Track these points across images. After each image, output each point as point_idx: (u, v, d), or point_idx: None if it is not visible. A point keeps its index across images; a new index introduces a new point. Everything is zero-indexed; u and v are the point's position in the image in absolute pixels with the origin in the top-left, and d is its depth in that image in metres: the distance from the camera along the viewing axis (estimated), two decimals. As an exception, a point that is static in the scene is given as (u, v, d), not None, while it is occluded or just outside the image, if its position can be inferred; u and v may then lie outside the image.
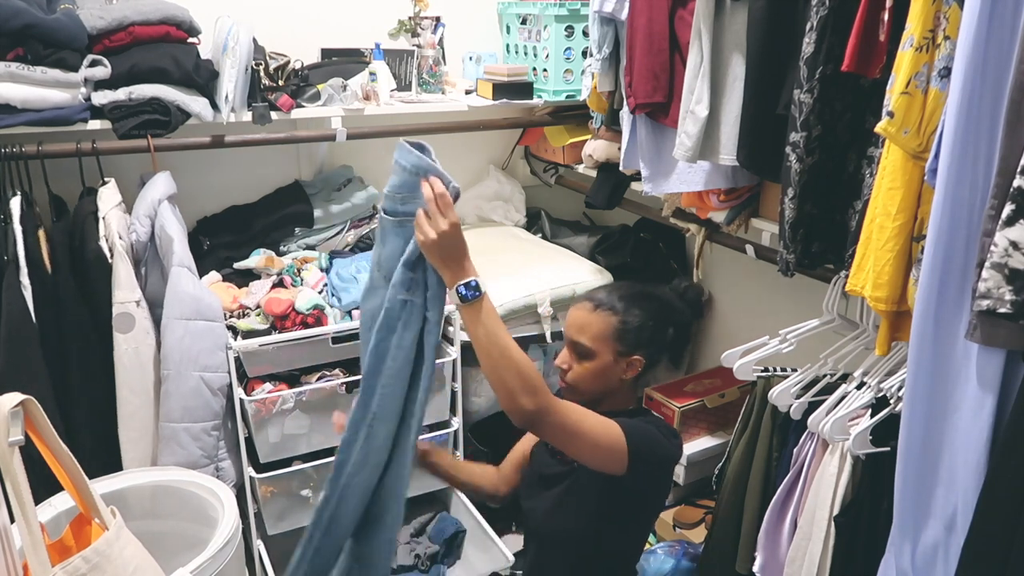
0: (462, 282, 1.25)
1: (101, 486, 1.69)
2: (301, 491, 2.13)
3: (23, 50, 1.78)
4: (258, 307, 2.01)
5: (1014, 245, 0.92)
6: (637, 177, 2.03)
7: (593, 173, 2.42)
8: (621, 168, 2.08)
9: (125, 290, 1.82)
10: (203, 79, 1.98)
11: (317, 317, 2.01)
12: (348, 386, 2.08)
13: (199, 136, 2.07)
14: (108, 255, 1.83)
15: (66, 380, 1.82)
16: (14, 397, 1.03)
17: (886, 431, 1.42)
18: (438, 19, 2.57)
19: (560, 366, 1.51)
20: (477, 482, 1.70)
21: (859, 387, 1.55)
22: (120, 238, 1.84)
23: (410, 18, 2.52)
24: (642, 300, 1.51)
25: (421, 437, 2.20)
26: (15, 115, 1.79)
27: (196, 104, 1.96)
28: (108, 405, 1.86)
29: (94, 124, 1.91)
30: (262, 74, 2.08)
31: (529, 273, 2.35)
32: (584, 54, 2.36)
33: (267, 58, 2.13)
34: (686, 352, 1.66)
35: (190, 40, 2.04)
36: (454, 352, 2.21)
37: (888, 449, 1.40)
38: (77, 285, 1.81)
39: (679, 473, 2.29)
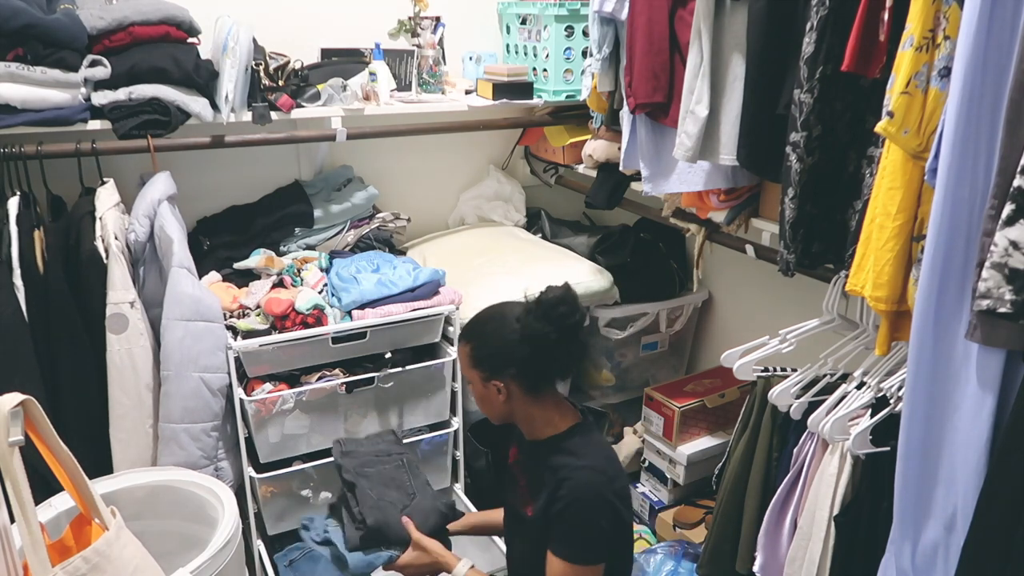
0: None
1: (101, 486, 1.69)
2: (301, 491, 2.13)
3: (23, 50, 1.78)
4: (258, 307, 2.01)
5: (1014, 245, 0.92)
6: (637, 177, 2.03)
7: (593, 173, 2.42)
8: (621, 168, 2.08)
9: (119, 291, 1.81)
10: (203, 79, 1.98)
11: (317, 317, 2.01)
12: (348, 386, 2.08)
13: (199, 136, 2.07)
14: (103, 255, 1.83)
15: (58, 380, 1.81)
16: (14, 397, 1.03)
17: (886, 431, 1.42)
18: (438, 19, 2.57)
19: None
20: (491, 526, 1.85)
21: (859, 387, 1.55)
22: (116, 238, 1.83)
23: (410, 18, 2.52)
24: (484, 324, 1.56)
25: (420, 438, 2.22)
26: (15, 115, 1.79)
27: (196, 104, 1.96)
28: (100, 406, 1.85)
29: (94, 124, 1.91)
30: (262, 74, 2.08)
31: (529, 273, 2.35)
32: (584, 54, 2.36)
33: (267, 58, 2.13)
34: (564, 360, 1.53)
35: (190, 40, 2.04)
36: (453, 352, 2.21)
37: (888, 449, 1.40)
38: (71, 285, 1.81)
39: (679, 473, 2.29)
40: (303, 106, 2.13)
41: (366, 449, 1.89)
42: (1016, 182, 0.92)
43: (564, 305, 1.48)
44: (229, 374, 1.94)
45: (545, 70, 2.44)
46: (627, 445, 2.53)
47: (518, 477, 1.64)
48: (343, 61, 2.38)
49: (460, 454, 2.33)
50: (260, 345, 1.95)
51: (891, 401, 1.46)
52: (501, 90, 2.37)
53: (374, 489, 1.75)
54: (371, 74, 2.27)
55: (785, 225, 1.51)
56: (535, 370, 1.51)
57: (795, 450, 1.60)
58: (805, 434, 1.57)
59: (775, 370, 1.71)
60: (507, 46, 2.67)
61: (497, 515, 1.80)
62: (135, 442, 1.88)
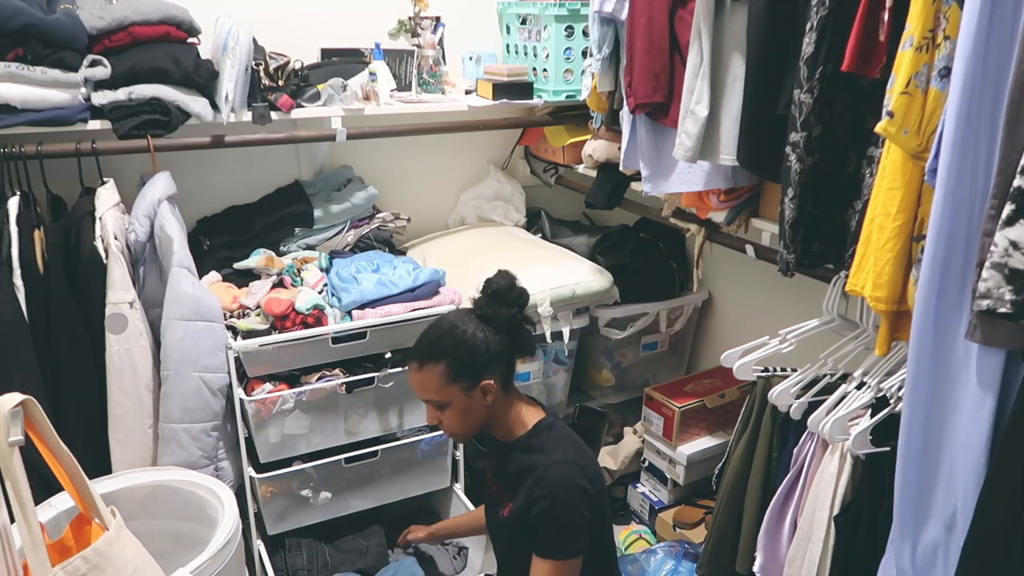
0: None
1: (101, 486, 1.69)
2: (301, 491, 2.13)
3: (23, 50, 1.78)
4: (258, 307, 2.01)
5: (1014, 245, 0.92)
6: (637, 177, 2.03)
7: (593, 173, 2.42)
8: (621, 168, 2.08)
9: (119, 291, 1.81)
10: (203, 79, 1.98)
11: (317, 317, 2.01)
12: (348, 386, 2.08)
13: (199, 136, 2.07)
14: (103, 255, 1.83)
15: (58, 381, 1.81)
16: (14, 397, 1.04)
17: (886, 431, 1.42)
18: (438, 19, 2.57)
19: (433, 424, 1.62)
20: (474, 527, 1.97)
21: (859, 387, 1.55)
22: (116, 238, 1.83)
23: (410, 18, 2.52)
24: (450, 334, 1.55)
25: (420, 438, 2.23)
26: (15, 115, 1.79)
27: (196, 104, 1.96)
28: (100, 406, 1.85)
29: (94, 124, 1.91)
30: (262, 74, 2.08)
31: (529, 273, 2.34)
32: (584, 54, 2.36)
33: (267, 58, 2.13)
34: (527, 338, 1.60)
35: (190, 40, 2.04)
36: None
37: (888, 449, 1.40)
38: (71, 285, 1.81)
39: (679, 473, 2.30)
40: (303, 106, 2.13)
41: None
42: (1016, 182, 0.92)
43: (513, 290, 1.56)
44: (229, 374, 1.94)
45: (545, 70, 2.44)
46: (627, 445, 2.53)
47: (492, 484, 1.70)
48: (343, 61, 2.38)
49: (460, 454, 2.33)
50: (260, 345, 1.95)
51: (891, 401, 1.46)
52: (501, 90, 2.37)
53: None
54: (371, 74, 2.27)
55: (785, 225, 1.51)
56: (510, 360, 1.57)
57: (795, 450, 1.60)
58: (805, 434, 1.57)
59: (775, 370, 1.71)
60: (507, 46, 2.67)
61: (463, 525, 1.99)
62: (134, 442, 1.88)
